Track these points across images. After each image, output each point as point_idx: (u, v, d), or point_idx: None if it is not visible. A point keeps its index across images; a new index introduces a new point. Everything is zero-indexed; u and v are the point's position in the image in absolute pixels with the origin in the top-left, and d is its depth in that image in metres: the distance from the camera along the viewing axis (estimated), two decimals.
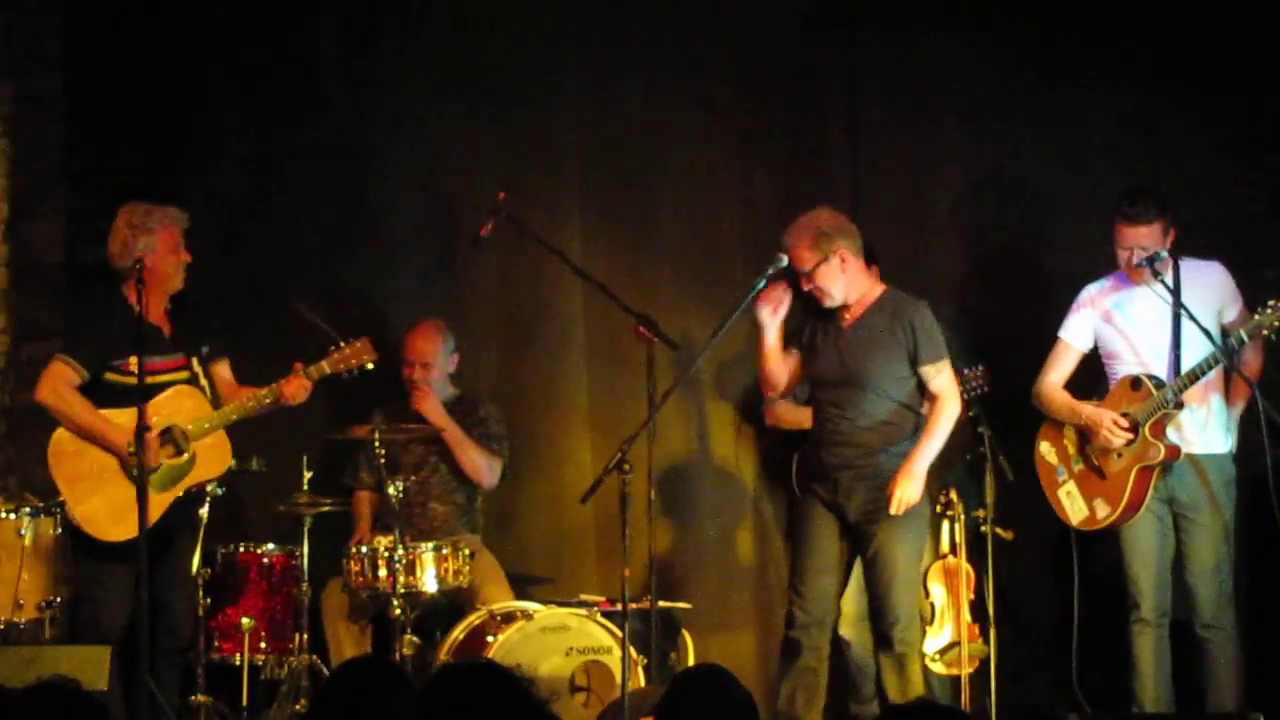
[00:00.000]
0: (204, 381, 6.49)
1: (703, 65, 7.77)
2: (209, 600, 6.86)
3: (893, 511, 6.37)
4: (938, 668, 7.01)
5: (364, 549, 6.87)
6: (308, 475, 6.99)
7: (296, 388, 6.53)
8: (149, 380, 6.37)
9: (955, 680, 6.92)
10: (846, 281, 6.50)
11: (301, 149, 7.80)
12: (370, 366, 6.66)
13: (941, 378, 6.50)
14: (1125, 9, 7.30)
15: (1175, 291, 6.45)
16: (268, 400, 6.52)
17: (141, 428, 6.13)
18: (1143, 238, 6.47)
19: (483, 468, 7.33)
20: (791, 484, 7.04)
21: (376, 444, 6.90)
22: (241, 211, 7.79)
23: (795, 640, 6.51)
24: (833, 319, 6.57)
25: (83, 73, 7.53)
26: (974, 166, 7.62)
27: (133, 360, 6.29)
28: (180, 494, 6.47)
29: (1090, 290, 6.72)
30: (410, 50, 7.83)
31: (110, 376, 6.44)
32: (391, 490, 6.86)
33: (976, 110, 7.57)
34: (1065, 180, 7.50)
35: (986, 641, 6.66)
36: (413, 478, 7.24)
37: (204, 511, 6.71)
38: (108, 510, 6.39)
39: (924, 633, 7.02)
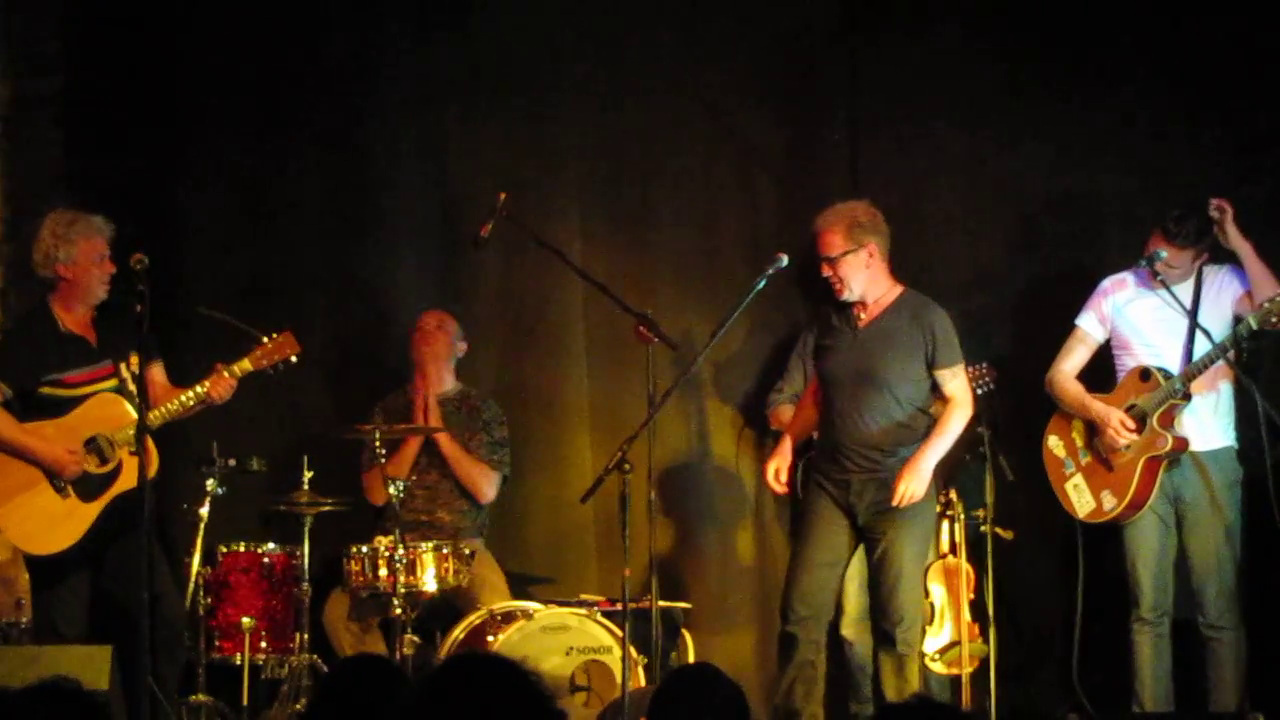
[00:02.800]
0: (132, 388, 6.32)
1: (703, 66, 7.77)
2: (209, 600, 6.87)
3: (895, 504, 6.39)
4: (938, 668, 7.01)
5: (364, 549, 6.87)
6: (308, 475, 6.98)
7: (220, 387, 6.47)
8: (75, 392, 6.38)
9: (955, 680, 6.92)
10: (868, 278, 6.50)
11: (302, 149, 7.80)
12: (294, 359, 6.59)
13: (957, 381, 6.54)
14: (1125, 9, 7.29)
15: (1195, 296, 6.55)
16: (192, 403, 6.45)
17: (142, 428, 6.11)
18: (1173, 258, 6.54)
19: (480, 484, 7.34)
20: (794, 484, 7.02)
21: (377, 444, 6.90)
22: (242, 212, 7.79)
23: (792, 635, 6.51)
24: (846, 318, 6.57)
25: (82, 73, 7.52)
26: (974, 167, 7.61)
27: (65, 374, 6.33)
28: (108, 503, 6.37)
29: (1109, 282, 6.77)
30: (411, 50, 7.83)
31: (45, 390, 6.39)
32: (392, 490, 6.85)
33: (977, 111, 7.56)
34: (1066, 180, 7.50)
35: (986, 641, 6.66)
36: (418, 479, 7.25)
37: (204, 511, 6.71)
38: (39, 524, 6.35)
39: (924, 633, 7.03)
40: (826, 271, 6.49)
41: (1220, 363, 6.47)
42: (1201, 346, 6.47)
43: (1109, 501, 6.62)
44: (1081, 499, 6.71)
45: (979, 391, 6.84)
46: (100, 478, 6.38)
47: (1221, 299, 6.59)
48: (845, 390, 6.51)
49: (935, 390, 6.56)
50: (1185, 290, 6.58)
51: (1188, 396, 6.50)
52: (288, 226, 7.83)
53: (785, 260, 6.43)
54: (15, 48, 7.46)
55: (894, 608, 6.46)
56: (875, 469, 6.46)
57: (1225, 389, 6.63)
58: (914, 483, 6.40)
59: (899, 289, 6.60)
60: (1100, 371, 6.83)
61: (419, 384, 7.39)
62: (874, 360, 6.49)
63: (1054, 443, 6.82)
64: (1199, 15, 7.18)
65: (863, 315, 6.55)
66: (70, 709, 3.63)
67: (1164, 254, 6.54)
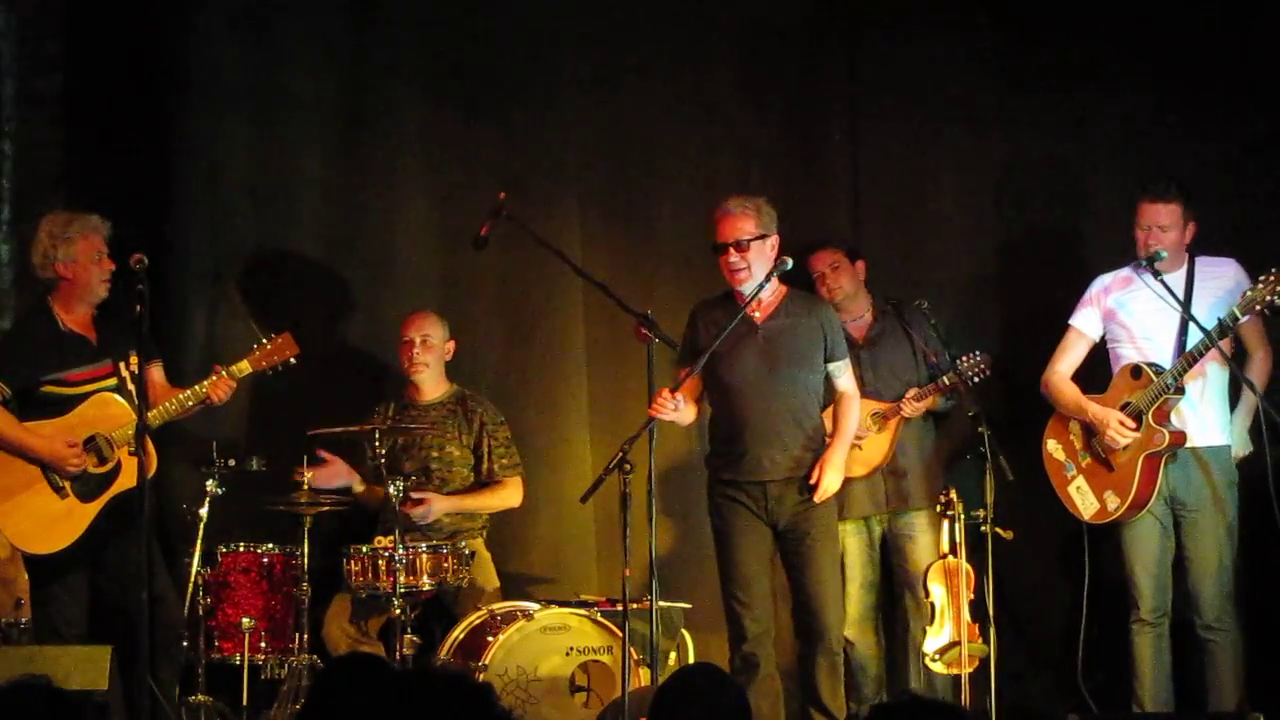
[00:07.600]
0: (131, 387, 6.35)
1: (703, 65, 7.78)
2: (208, 600, 6.86)
3: (817, 499, 6.39)
4: (938, 668, 7.00)
5: (364, 549, 6.87)
6: (308, 475, 6.98)
7: (219, 388, 6.52)
8: (76, 391, 6.40)
9: (955, 680, 6.91)
10: (765, 271, 6.41)
11: (301, 150, 7.80)
12: (294, 361, 6.65)
13: (847, 375, 6.62)
14: (1125, 10, 7.29)
15: (1187, 289, 6.52)
16: (190, 403, 6.50)
17: (141, 428, 6.11)
18: (1161, 216, 6.54)
19: (510, 499, 7.39)
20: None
21: (377, 443, 6.90)
22: (240, 213, 7.79)
23: (752, 654, 6.42)
24: (733, 318, 6.39)
25: (83, 73, 7.52)
26: (974, 167, 7.62)
27: (66, 373, 6.35)
28: (107, 503, 6.41)
29: (1102, 280, 6.77)
30: (411, 50, 7.83)
31: (46, 389, 6.41)
32: (392, 490, 6.85)
33: (976, 110, 7.57)
34: (1066, 181, 7.50)
35: (986, 641, 6.65)
36: (425, 484, 7.26)
37: (204, 511, 6.71)
38: (37, 523, 6.37)
39: (924, 633, 7.03)
40: (733, 258, 6.39)
41: (1216, 355, 6.46)
42: (1194, 338, 6.45)
43: (1113, 501, 6.62)
44: (1085, 501, 6.70)
45: (975, 380, 6.84)
46: (99, 478, 6.40)
47: (1217, 292, 6.54)
48: (754, 391, 6.43)
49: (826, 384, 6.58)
50: (1177, 282, 6.56)
51: (1180, 390, 6.49)
52: (286, 227, 7.83)
53: (789, 263, 6.42)
54: (16, 47, 7.46)
55: (825, 608, 6.43)
56: (793, 470, 6.43)
57: (1218, 380, 6.60)
58: (832, 476, 6.42)
59: (783, 288, 6.56)
60: (1098, 372, 6.82)
61: (413, 393, 7.39)
62: (784, 357, 6.44)
63: (1053, 446, 6.81)
64: (1199, 16, 7.18)
65: (758, 314, 6.47)
66: (42, 707, 3.62)
67: (1164, 254, 6.53)
